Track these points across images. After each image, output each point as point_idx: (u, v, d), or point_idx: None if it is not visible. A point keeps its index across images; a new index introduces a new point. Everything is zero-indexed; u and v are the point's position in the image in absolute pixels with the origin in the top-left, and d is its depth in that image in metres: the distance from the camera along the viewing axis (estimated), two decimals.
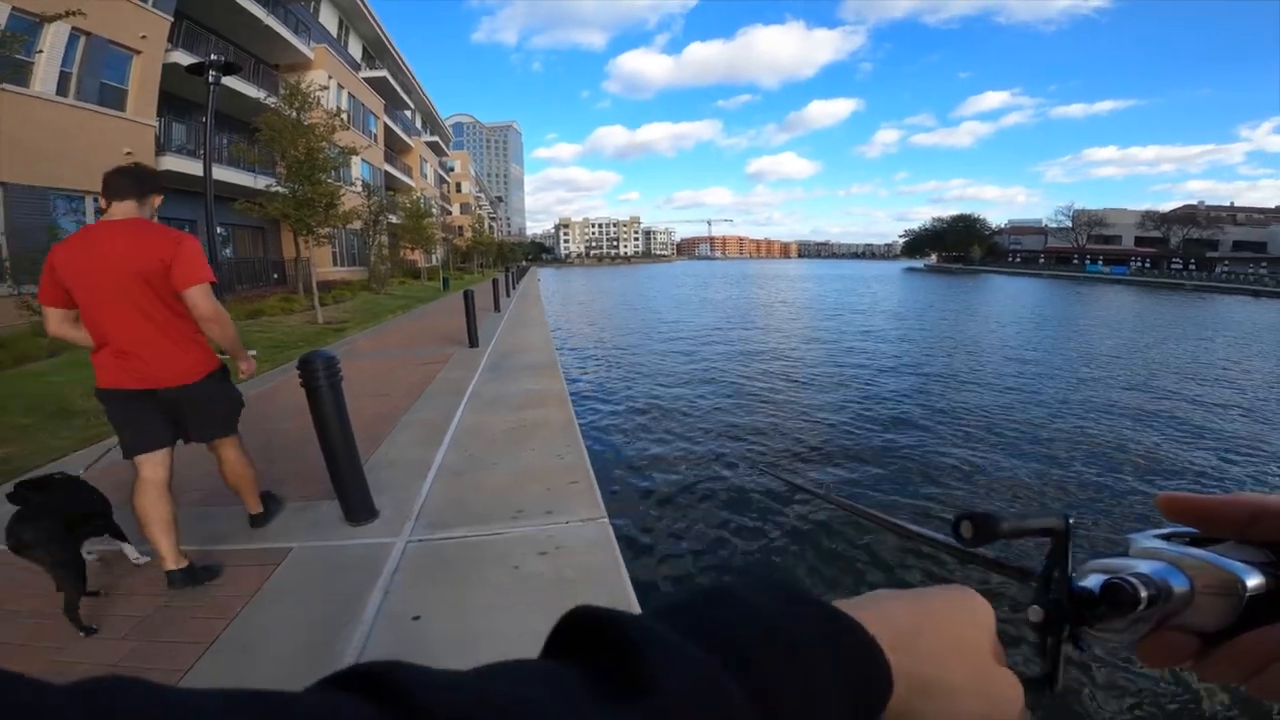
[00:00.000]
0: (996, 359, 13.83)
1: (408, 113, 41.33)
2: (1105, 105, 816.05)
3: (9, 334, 9.17)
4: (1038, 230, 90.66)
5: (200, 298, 2.58)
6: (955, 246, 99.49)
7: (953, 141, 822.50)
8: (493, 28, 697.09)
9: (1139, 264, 69.30)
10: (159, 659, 2.09)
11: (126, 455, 2.62)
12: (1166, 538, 0.38)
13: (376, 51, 32.52)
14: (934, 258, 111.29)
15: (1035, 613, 0.38)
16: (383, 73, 31.00)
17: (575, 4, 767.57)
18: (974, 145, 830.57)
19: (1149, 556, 0.37)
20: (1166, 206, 73.95)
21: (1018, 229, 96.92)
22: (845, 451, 7.23)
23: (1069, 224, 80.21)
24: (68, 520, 2.35)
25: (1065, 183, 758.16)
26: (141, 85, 13.82)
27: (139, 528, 2.57)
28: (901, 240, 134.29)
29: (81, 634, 2.23)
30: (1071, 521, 0.37)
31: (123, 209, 2.54)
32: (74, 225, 12.08)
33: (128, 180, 2.54)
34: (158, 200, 2.77)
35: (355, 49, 29.73)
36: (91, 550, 2.66)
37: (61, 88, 11.78)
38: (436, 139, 51.57)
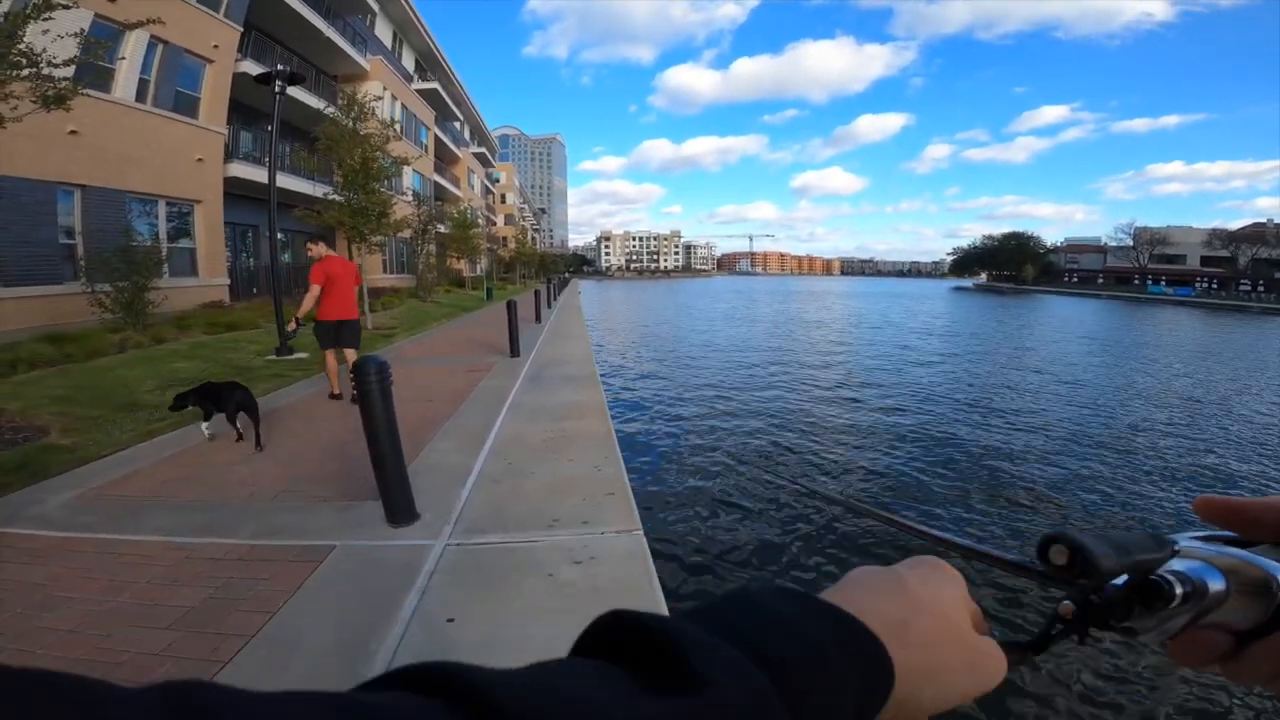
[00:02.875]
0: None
1: (457, 124, 42.49)
2: (1171, 120, 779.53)
3: (82, 329, 9.73)
4: (1096, 249, 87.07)
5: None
6: (1007, 265, 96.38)
7: (1007, 157, 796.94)
8: (544, 42, 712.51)
9: (1205, 285, 65.81)
10: (201, 649, 2.16)
11: (323, 346, 6.30)
12: (1204, 539, 0.38)
13: (428, 64, 33.56)
14: (983, 277, 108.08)
15: (1066, 606, 0.37)
16: (434, 85, 31.97)
17: (627, 19, 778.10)
18: (1029, 161, 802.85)
19: (1186, 556, 0.37)
20: (1235, 224, 70.06)
21: (1074, 247, 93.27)
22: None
23: (1130, 242, 76.54)
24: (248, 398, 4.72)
25: (1127, 199, 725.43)
26: (213, 93, 14.54)
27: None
28: (949, 258, 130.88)
29: (259, 449, 4.57)
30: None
31: (321, 249, 6.18)
32: (147, 228, 12.78)
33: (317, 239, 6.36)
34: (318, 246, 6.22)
35: (408, 61, 30.74)
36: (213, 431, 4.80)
37: (140, 94, 12.43)
38: (483, 150, 52.83)
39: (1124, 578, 0.36)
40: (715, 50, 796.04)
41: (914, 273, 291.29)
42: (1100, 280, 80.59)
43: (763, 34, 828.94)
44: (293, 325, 6.06)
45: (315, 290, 5.98)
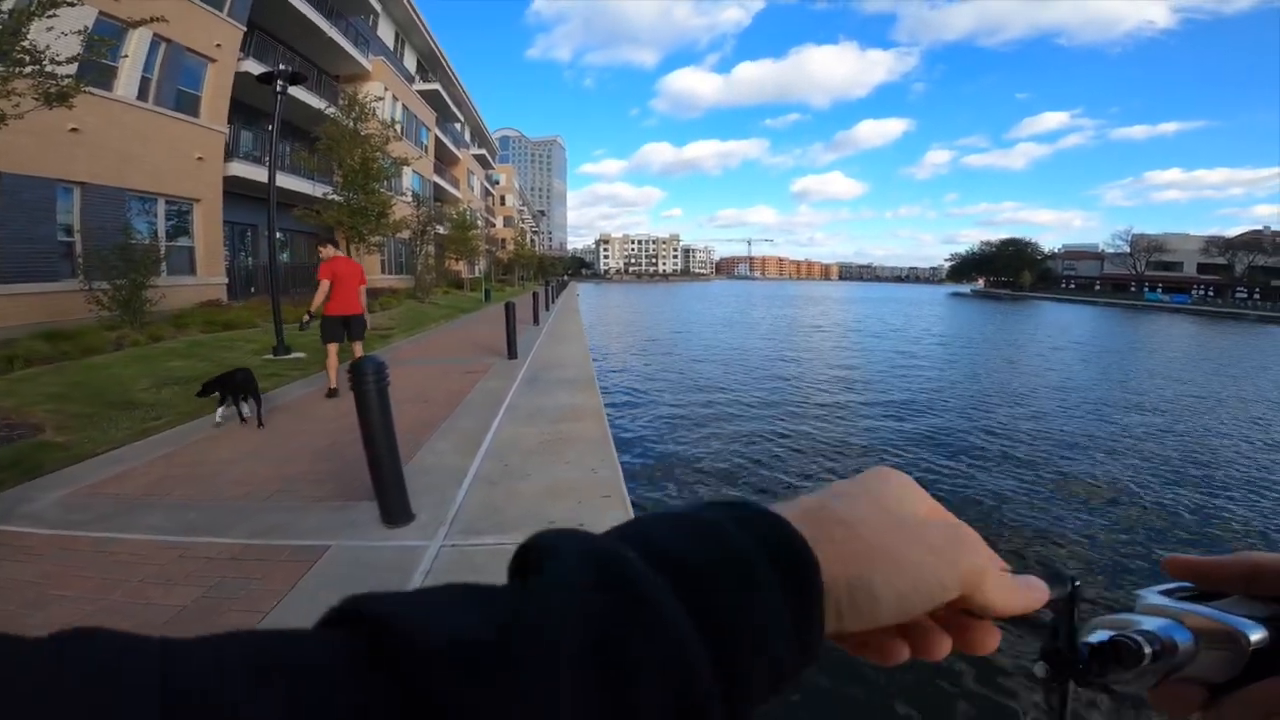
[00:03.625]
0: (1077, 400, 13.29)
1: (457, 125, 42.52)
2: (1170, 126, 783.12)
3: (78, 326, 9.70)
4: (1094, 255, 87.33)
5: (364, 288, 6.85)
6: (1004, 271, 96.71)
7: (1006, 163, 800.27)
8: (548, 44, 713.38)
9: (1201, 292, 66.05)
10: None
11: (325, 340, 6.55)
12: (1171, 593, 0.40)
13: (430, 65, 33.60)
14: (981, 283, 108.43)
15: (1041, 668, 0.39)
16: (435, 86, 32.00)
17: (631, 22, 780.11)
18: (1028, 167, 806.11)
19: (1155, 613, 0.38)
20: (1232, 232, 70.29)
21: (1072, 254, 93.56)
22: None
23: (1127, 249, 76.82)
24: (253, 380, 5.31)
25: (1125, 206, 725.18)
26: (215, 92, 14.51)
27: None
28: (948, 264, 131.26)
29: (261, 427, 5.21)
30: (1077, 584, 0.39)
31: (330, 250, 6.69)
32: (145, 226, 12.75)
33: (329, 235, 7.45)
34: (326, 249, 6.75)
35: (410, 62, 30.76)
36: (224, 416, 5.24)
37: (142, 93, 12.42)
38: (484, 152, 52.87)
39: (1096, 636, 0.38)
40: (718, 54, 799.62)
41: (912, 278, 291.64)
42: (1097, 287, 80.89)
43: (766, 38, 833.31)
44: (306, 318, 6.60)
45: (324, 286, 6.45)
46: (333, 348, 6.53)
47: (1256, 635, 0.35)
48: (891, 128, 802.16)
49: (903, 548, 0.29)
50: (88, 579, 2.64)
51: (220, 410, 5.18)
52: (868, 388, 13.02)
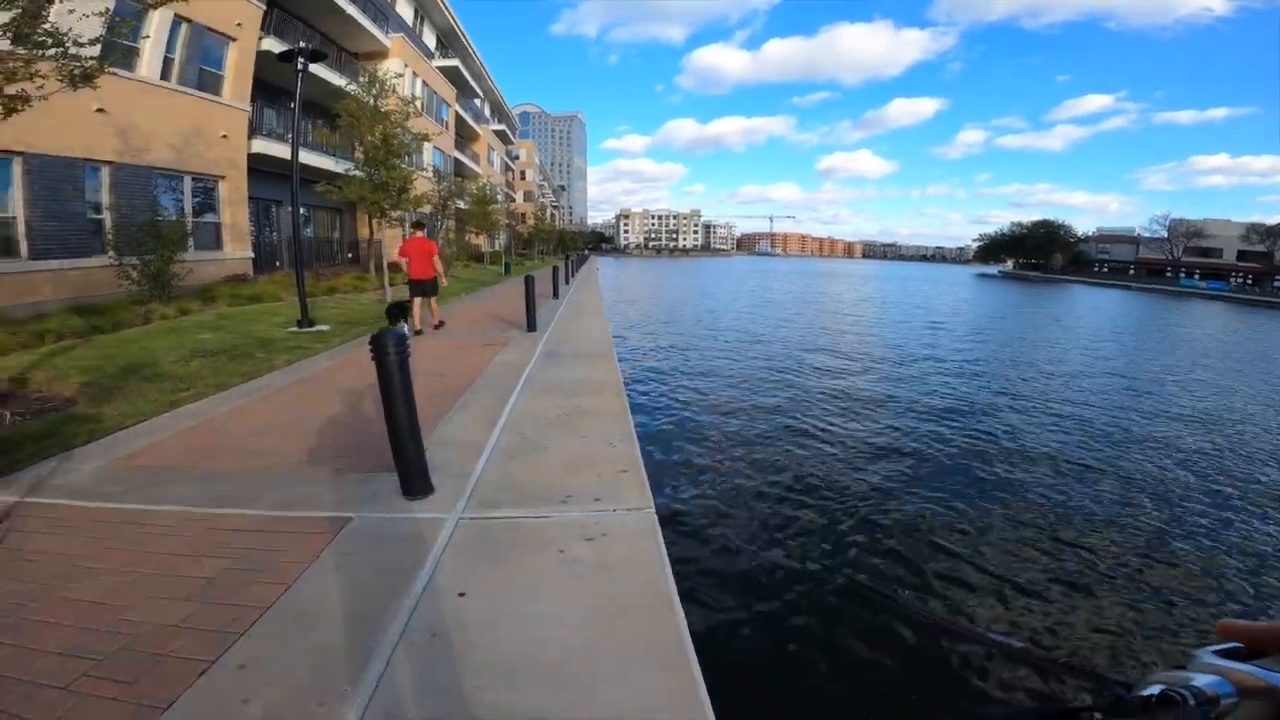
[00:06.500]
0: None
1: (477, 101, 42.25)
2: (1219, 112, 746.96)
3: (109, 301, 9.92)
4: (1129, 239, 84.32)
5: (437, 258, 9.38)
6: (1035, 253, 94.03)
7: (1043, 144, 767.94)
8: (574, 20, 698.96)
9: (1239, 280, 63.67)
10: (218, 620, 2.19)
11: (410, 296, 9.26)
12: (1223, 653, 0.47)
13: (449, 41, 33.30)
14: (1010, 264, 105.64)
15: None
16: (455, 62, 31.73)
17: None
18: (1066, 149, 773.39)
19: (1206, 670, 0.45)
20: (1276, 219, 67.15)
21: (1106, 237, 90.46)
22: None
23: (1164, 234, 74.05)
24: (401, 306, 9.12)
25: (1166, 190, 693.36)
26: (237, 71, 14.56)
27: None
28: (975, 244, 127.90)
29: (438, 327, 9.62)
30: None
31: (419, 232, 9.62)
32: (173, 202, 12.93)
33: (417, 226, 9.91)
34: (420, 231, 9.63)
35: (429, 38, 30.51)
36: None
37: (165, 72, 12.51)
38: (504, 127, 52.53)
39: (1149, 690, 0.46)
40: (747, 30, 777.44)
41: (938, 258, 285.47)
42: (1131, 271, 78.33)
43: (797, 15, 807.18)
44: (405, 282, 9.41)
45: (402, 261, 9.21)
46: (415, 302, 9.17)
47: None
48: (924, 107, 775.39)
49: None
50: (119, 551, 2.70)
51: (404, 324, 8.41)
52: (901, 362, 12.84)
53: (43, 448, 3.98)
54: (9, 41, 5.03)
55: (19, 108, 5.15)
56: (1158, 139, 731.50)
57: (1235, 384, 12.65)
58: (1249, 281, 62.63)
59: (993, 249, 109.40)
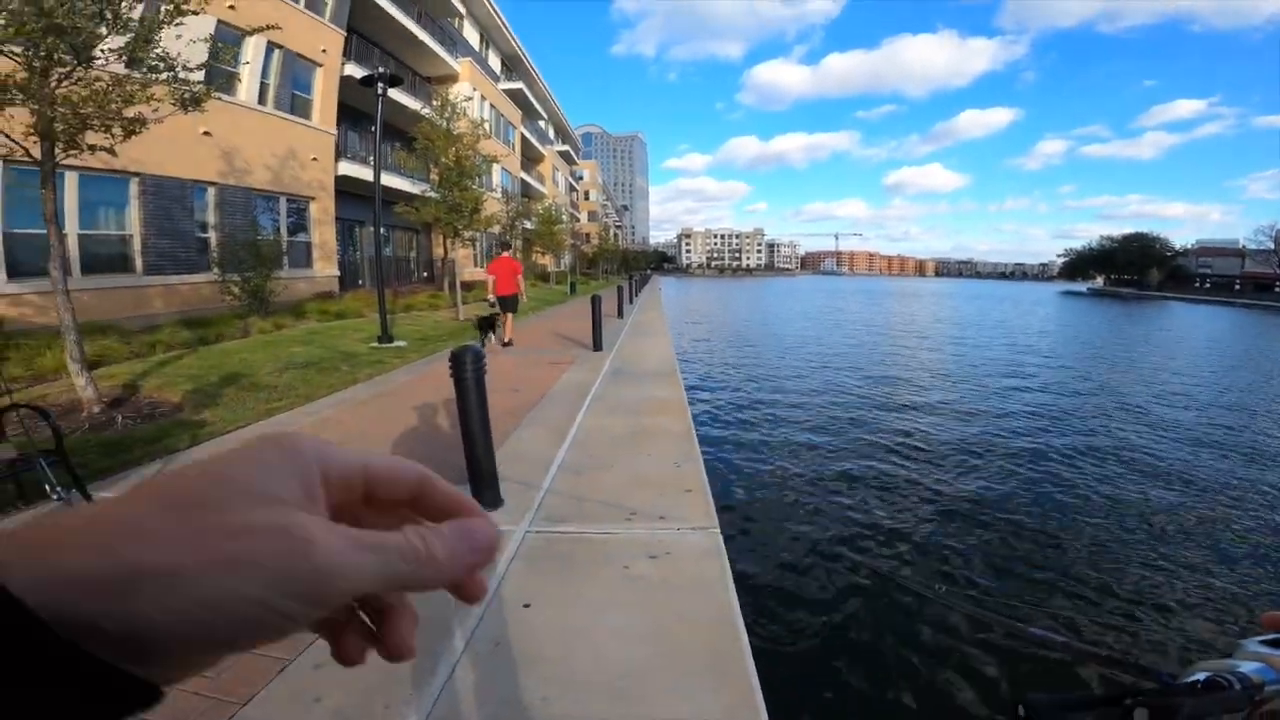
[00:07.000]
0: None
1: (541, 123, 43.62)
2: None
3: (213, 314, 10.78)
4: (1234, 252, 77.69)
5: (519, 277, 10.62)
6: (1127, 268, 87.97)
7: (1131, 153, 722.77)
8: (632, 40, 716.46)
9: None
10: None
11: (502, 311, 10.31)
12: (1269, 643, 0.48)
13: (513, 65, 34.68)
14: (1099, 280, 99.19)
15: (1142, 714, 0.46)
16: (519, 85, 32.99)
17: (716, 16, 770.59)
18: (1158, 157, 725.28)
19: (1251, 658, 0.47)
20: None
21: (1207, 250, 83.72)
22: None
23: (1271, 246, 67.74)
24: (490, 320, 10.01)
25: (1272, 198, 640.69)
26: (324, 95, 15.62)
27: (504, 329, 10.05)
28: (1060, 260, 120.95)
29: (506, 345, 10.04)
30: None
31: (506, 253, 11.25)
32: (270, 223, 13.94)
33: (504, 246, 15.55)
34: (506, 252, 11.38)
35: (494, 62, 31.86)
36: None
37: (262, 98, 13.52)
38: (567, 148, 53.93)
39: (1195, 676, 0.47)
40: (806, 46, 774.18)
41: (1018, 275, 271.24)
42: (1237, 286, 71.97)
43: (856, 28, 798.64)
44: (491, 299, 10.37)
45: (489, 279, 10.39)
46: (503, 316, 10.19)
47: None
48: (996, 118, 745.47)
49: (176, 547, 0.21)
50: None
51: (490, 338, 9.74)
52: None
53: (151, 450, 4.37)
54: (124, 66, 5.43)
55: (137, 129, 5.54)
56: (1259, 144, 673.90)
57: None
58: None
59: (1079, 264, 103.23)
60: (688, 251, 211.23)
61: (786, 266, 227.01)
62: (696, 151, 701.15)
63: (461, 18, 26.61)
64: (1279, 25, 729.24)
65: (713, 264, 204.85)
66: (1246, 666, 0.46)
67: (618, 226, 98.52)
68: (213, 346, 8.95)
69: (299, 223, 15.17)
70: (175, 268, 11.32)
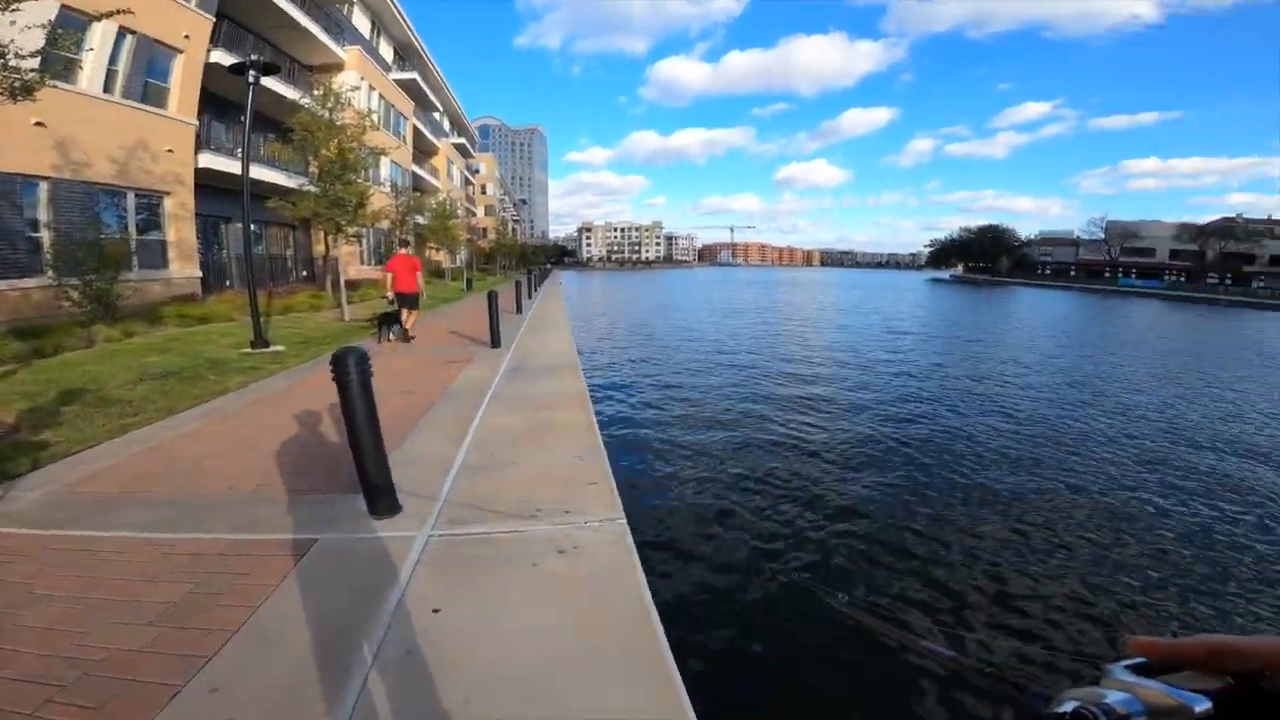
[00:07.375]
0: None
1: (435, 114, 41.83)
2: (1149, 117, 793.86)
3: (50, 323, 9.48)
4: (1069, 242, 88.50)
5: (419, 274, 10.14)
6: (982, 258, 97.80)
7: (987, 152, 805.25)
8: (538, 32, 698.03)
9: (1173, 278, 67.53)
10: (184, 644, 2.15)
11: (399, 306, 10.04)
12: (1134, 669, 0.47)
13: (406, 54, 32.98)
14: (960, 268, 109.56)
15: None
16: (413, 75, 31.42)
17: (623, 10, 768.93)
18: (1009, 156, 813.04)
19: (1117, 687, 0.45)
20: (1205, 219, 71.50)
21: (1048, 240, 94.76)
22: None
23: (1102, 236, 78.04)
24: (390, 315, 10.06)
25: (1102, 194, 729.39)
26: (184, 84, 14.13)
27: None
28: (927, 250, 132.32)
29: (408, 340, 10.09)
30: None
31: (405, 250, 10.75)
32: (116, 220, 12.44)
33: (402, 244, 12.18)
34: (405, 249, 10.85)
35: (386, 51, 30.17)
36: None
37: (108, 86, 12.07)
38: (463, 141, 52.10)
39: (1064, 706, 0.46)
40: (708, 43, 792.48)
41: (892, 264, 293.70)
42: (1072, 273, 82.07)
43: (756, 27, 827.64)
44: (389, 296, 9.95)
45: (388, 277, 9.97)
46: (403, 312, 9.99)
47: (1201, 708, 0.41)
48: (877, 117, 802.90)
49: None
50: (73, 577, 2.61)
51: (386, 333, 9.86)
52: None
53: None
54: None
55: None
56: (1093, 144, 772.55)
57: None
58: (1182, 279, 66.36)
59: (943, 254, 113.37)
60: (588, 245, 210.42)
61: (684, 259, 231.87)
62: (598, 145, 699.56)
63: (351, 4, 24.97)
64: (1118, 33, 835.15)
65: (613, 257, 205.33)
66: (1113, 697, 0.45)
67: (516, 221, 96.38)
68: (50, 359, 7.87)
69: (151, 219, 13.62)
70: (2, 272, 9.85)
